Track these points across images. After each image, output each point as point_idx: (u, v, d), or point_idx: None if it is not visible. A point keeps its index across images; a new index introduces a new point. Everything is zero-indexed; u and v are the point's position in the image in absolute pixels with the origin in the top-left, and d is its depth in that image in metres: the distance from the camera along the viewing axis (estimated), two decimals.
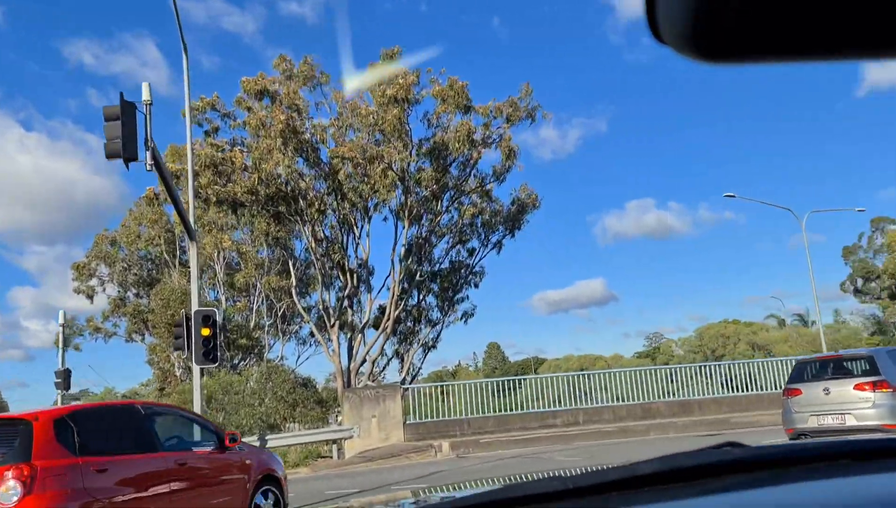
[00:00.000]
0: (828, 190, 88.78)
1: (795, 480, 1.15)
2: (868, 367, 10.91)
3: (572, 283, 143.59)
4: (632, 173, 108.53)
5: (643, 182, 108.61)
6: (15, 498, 5.50)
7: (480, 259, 30.95)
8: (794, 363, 12.79)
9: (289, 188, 25.60)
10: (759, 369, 21.22)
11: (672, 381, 21.32)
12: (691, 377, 21.62)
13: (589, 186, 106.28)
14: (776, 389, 20.00)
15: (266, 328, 34.18)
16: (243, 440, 8.66)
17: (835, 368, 11.39)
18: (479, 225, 30.34)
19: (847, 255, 64.96)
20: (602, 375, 21.49)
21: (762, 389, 20.74)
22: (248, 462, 8.08)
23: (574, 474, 1.18)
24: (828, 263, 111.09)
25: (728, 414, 19.23)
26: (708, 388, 21.46)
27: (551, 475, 1.21)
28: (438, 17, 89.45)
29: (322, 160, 25.92)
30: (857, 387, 10.64)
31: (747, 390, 20.58)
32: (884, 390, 10.39)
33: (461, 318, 31.31)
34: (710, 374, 21.92)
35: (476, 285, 31.56)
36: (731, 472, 1.17)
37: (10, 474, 5.57)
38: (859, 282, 64.36)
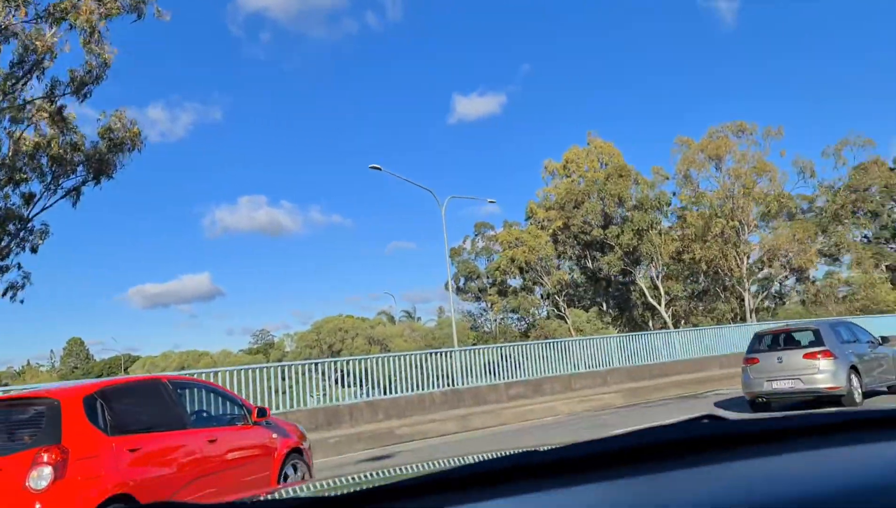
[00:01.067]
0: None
1: (777, 453, 1.15)
2: (814, 338, 12.63)
3: (176, 276, 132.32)
4: (246, 168, 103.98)
5: (256, 178, 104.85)
6: (45, 483, 5.03)
7: (42, 211, 21.57)
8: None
9: None
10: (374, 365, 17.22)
11: (284, 379, 16.36)
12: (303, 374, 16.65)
13: (199, 177, 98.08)
14: (414, 390, 16.23)
15: None
16: None
17: (786, 339, 13.24)
18: (43, 162, 21.01)
19: (454, 255, 69.14)
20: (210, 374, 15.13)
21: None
22: (274, 436, 7.67)
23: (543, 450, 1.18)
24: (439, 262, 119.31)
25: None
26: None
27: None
28: None
29: None
30: (806, 356, 12.28)
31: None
32: (827, 358, 12.11)
33: (4, 293, 21.42)
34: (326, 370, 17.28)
35: (34, 250, 22.02)
36: (713, 447, 1.18)
37: (39, 457, 5.12)
38: (462, 281, 68.97)
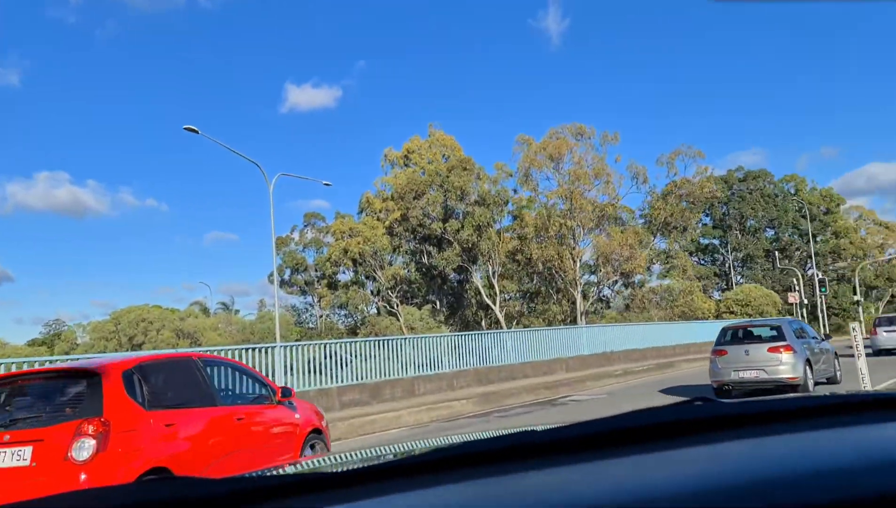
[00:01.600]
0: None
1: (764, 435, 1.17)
2: (776, 334, 14.29)
3: None
4: (46, 141, 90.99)
5: (58, 153, 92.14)
6: (87, 455, 5.22)
7: None
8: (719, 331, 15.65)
9: None
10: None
11: None
12: None
13: None
14: None
15: None
16: None
17: (750, 334, 14.90)
18: None
19: (280, 246, 64.40)
20: None
21: None
22: (297, 416, 7.80)
23: (539, 429, 1.20)
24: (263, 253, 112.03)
25: None
26: None
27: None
28: None
29: None
30: (770, 349, 13.90)
31: None
32: (788, 352, 13.78)
33: None
34: None
35: None
36: (708, 429, 1.20)
37: (82, 429, 5.30)
38: (287, 273, 64.43)
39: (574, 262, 41.25)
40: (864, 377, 11.45)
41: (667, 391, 17.34)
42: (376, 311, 53.16)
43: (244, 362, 13.50)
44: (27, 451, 5.25)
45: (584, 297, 42.91)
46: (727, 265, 76.39)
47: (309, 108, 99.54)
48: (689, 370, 24.28)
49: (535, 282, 46.71)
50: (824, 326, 50.07)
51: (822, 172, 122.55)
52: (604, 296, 47.22)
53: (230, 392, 7.39)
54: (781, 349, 13.74)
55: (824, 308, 46.05)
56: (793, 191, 78.68)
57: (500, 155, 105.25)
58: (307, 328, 58.39)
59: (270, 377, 14.28)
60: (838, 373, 16.01)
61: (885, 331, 25.25)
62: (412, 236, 47.88)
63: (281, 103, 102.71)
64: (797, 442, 1.12)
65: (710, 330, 33.93)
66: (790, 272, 70.58)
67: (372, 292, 54.13)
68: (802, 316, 44.67)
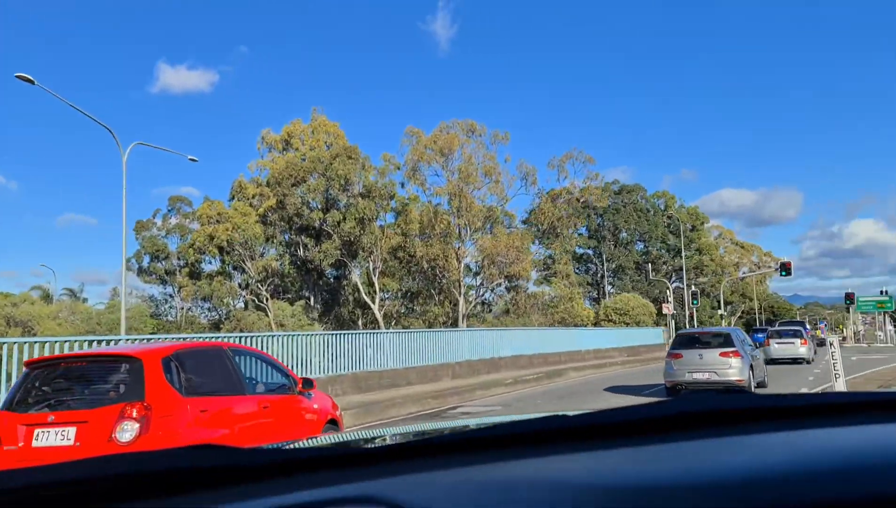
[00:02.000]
0: None
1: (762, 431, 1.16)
2: (725, 341, 15.82)
3: None
4: None
5: None
6: (130, 437, 5.47)
7: None
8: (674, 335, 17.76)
9: None
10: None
11: None
12: None
13: None
14: None
15: None
16: None
17: (704, 340, 16.13)
18: None
19: (140, 230, 58.56)
20: None
21: None
22: (316, 406, 8.12)
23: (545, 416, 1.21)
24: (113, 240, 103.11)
25: None
26: None
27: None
28: None
29: None
30: (722, 354, 15.38)
31: None
32: (737, 357, 15.31)
33: None
34: None
35: None
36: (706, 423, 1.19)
37: (126, 412, 5.56)
38: (146, 260, 58.72)
39: (458, 262, 39.71)
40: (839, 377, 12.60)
41: (567, 402, 15.84)
42: (244, 305, 49.21)
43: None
44: (71, 431, 5.52)
45: (467, 299, 41.46)
46: (599, 275, 78.33)
47: (182, 90, 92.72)
48: (579, 379, 23.16)
49: (417, 281, 44.79)
50: None
51: (682, 194, 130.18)
52: (486, 299, 46.09)
53: (255, 381, 7.49)
54: (731, 355, 15.37)
55: (696, 320, 47.42)
56: (662, 207, 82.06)
57: (387, 150, 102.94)
58: (165, 321, 53.24)
59: None
60: (766, 378, 17.87)
61: (776, 343, 27.61)
62: (288, 226, 44.52)
63: (152, 83, 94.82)
64: (833, 437, 1.11)
65: (593, 338, 33.37)
66: (657, 284, 73.39)
67: (240, 284, 50.10)
68: (675, 327, 45.71)
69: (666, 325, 45.38)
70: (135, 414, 5.52)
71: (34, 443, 5.56)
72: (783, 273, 50.45)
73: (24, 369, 6.32)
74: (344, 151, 41.05)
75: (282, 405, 7.38)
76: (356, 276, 43.19)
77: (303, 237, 45.35)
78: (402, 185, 41.82)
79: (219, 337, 14.14)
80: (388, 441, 1.42)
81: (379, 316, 41.74)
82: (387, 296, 46.34)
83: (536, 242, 42.82)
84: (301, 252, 45.87)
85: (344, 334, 18.19)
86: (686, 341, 16.27)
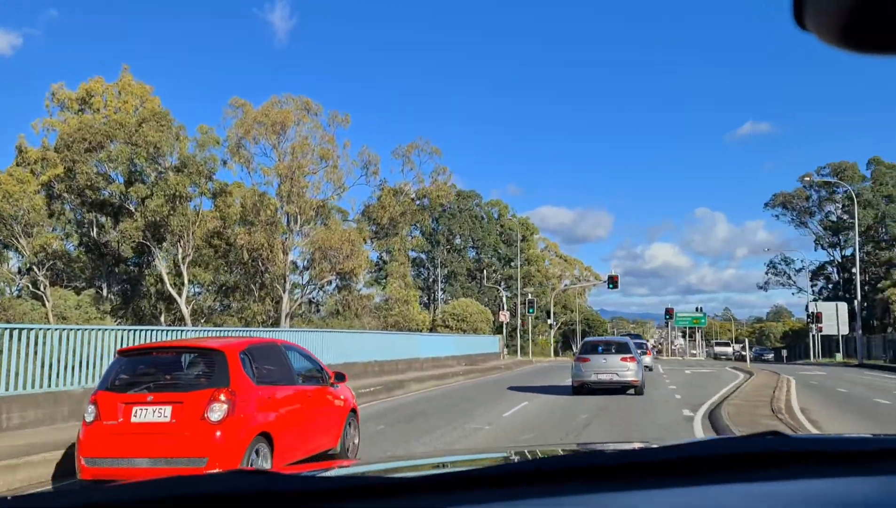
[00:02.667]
0: None
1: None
2: (625, 348, 18.90)
3: None
4: None
5: None
6: (219, 416, 6.56)
7: None
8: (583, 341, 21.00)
9: None
10: None
11: None
12: None
13: None
14: None
15: None
16: None
17: (606, 347, 19.09)
18: None
19: None
20: None
21: None
22: (342, 397, 9.28)
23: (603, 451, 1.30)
24: None
25: None
26: None
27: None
28: None
29: None
30: (622, 359, 18.16)
31: None
32: (633, 361, 18.18)
33: None
34: None
35: None
36: (779, 464, 1.21)
37: (216, 396, 6.65)
38: None
39: (285, 254, 35.17)
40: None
41: (427, 424, 12.51)
42: (18, 292, 40.80)
43: None
44: (167, 410, 6.64)
45: (292, 297, 36.94)
46: (432, 280, 76.77)
47: None
48: (422, 393, 19.94)
49: (235, 274, 39.45)
50: (522, 347, 51.01)
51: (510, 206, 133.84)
52: (314, 298, 41.80)
53: (298, 374, 8.46)
54: (629, 360, 18.11)
55: (530, 328, 46.49)
56: (496, 215, 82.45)
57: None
58: None
59: None
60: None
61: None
62: (79, 200, 37.26)
63: None
64: (882, 485, 1.10)
65: (431, 345, 30.39)
66: (488, 292, 73.13)
67: (20, 269, 41.56)
68: (509, 334, 44.39)
69: (501, 332, 43.91)
70: (223, 398, 6.63)
71: (132, 419, 6.62)
72: (611, 286, 52.11)
73: (116, 356, 7.56)
74: (154, 115, 34.86)
75: (320, 394, 8.64)
76: (161, 264, 36.97)
77: (98, 215, 38.29)
78: (224, 163, 36.38)
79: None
80: (439, 472, 1.48)
81: (186, 312, 35.92)
82: (198, 289, 40.49)
83: (370, 241, 39.27)
84: (95, 233, 38.72)
85: (141, 329, 13.66)
86: (591, 347, 19.26)
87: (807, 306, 71.74)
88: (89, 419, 6.69)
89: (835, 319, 56.65)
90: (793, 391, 19.33)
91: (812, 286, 74.35)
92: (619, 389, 18.10)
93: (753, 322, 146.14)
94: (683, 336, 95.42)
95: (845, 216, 71.03)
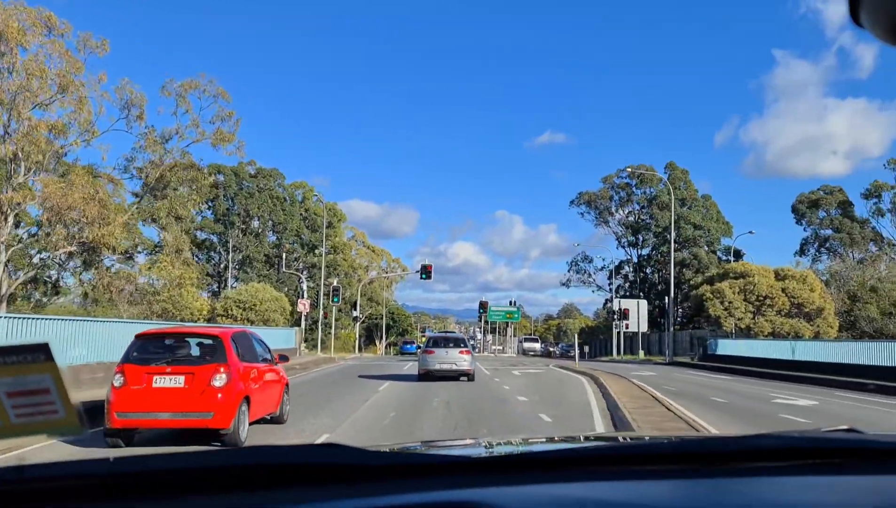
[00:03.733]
0: None
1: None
2: (461, 343, 22.42)
3: None
4: None
5: None
6: (221, 384, 9.21)
7: None
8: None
9: None
10: None
11: None
12: None
13: None
14: None
15: None
16: None
17: (448, 342, 22.35)
18: None
19: None
20: None
21: None
22: (281, 374, 12.13)
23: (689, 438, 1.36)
24: None
25: None
26: None
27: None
28: None
29: None
30: (460, 352, 21.44)
31: None
32: (468, 354, 21.66)
33: None
34: None
35: None
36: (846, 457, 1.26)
37: (218, 369, 9.31)
38: None
39: (2, 213, 25.71)
40: None
41: None
42: None
43: None
44: (181, 378, 9.22)
45: (12, 274, 27.37)
46: (223, 265, 67.85)
47: None
48: None
49: None
50: (322, 341, 44.88)
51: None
52: (50, 278, 32.04)
53: (259, 355, 11.19)
54: (466, 353, 21.68)
55: (333, 320, 40.38)
56: (300, 198, 75.34)
57: None
58: None
59: None
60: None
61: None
62: None
63: None
64: None
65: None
66: (288, 281, 65.87)
67: None
68: (309, 327, 37.91)
69: (300, 325, 37.35)
70: (222, 371, 9.29)
71: (154, 384, 9.09)
72: (423, 276, 49.03)
73: (134, 338, 9.93)
74: None
75: (271, 372, 11.41)
76: None
77: None
78: None
79: None
80: (491, 454, 1.59)
81: None
82: None
83: (136, 200, 30.60)
84: None
85: None
86: (435, 342, 22.54)
87: (605, 303, 73.30)
88: (118, 384, 9.03)
89: (636, 316, 57.27)
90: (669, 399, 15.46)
91: (610, 285, 76.17)
92: (455, 377, 21.05)
93: (546, 320, 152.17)
94: (493, 332, 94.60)
95: (644, 217, 73.69)
